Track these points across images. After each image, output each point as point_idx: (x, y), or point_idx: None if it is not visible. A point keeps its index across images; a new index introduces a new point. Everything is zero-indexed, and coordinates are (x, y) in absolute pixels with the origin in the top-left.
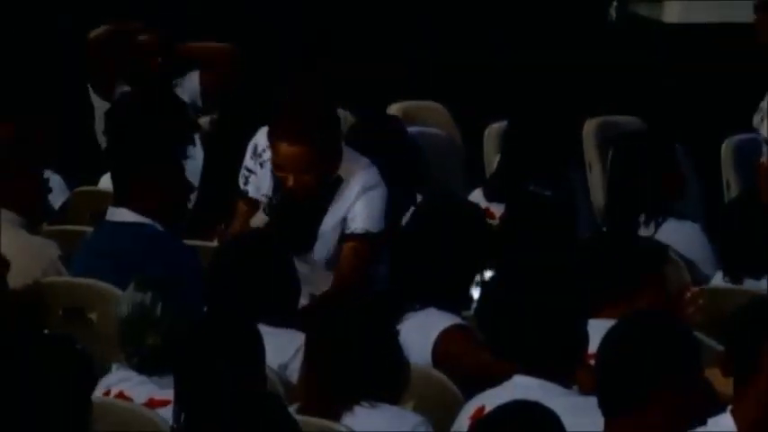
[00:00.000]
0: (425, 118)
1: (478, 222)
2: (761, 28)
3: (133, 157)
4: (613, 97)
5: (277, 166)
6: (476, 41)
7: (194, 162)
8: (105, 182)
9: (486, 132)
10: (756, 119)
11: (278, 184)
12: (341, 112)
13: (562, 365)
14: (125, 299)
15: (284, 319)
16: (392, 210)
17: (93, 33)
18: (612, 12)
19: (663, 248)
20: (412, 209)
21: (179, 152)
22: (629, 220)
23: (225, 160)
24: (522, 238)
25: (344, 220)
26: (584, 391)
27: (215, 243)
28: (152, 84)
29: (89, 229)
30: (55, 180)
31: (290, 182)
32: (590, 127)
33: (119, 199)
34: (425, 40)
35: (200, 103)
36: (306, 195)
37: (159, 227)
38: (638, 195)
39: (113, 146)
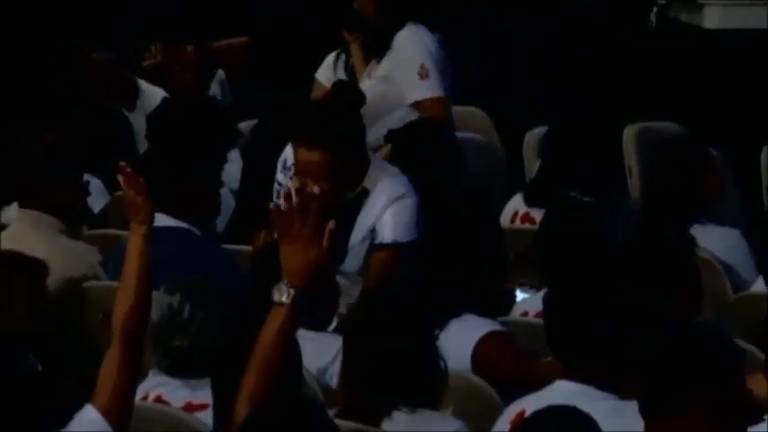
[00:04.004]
0: (466, 124)
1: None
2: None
3: (174, 162)
4: (653, 103)
5: (297, 172)
6: (516, 47)
7: (232, 166)
8: None
9: (527, 138)
10: None
11: None
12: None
13: (607, 371)
14: (155, 303)
15: (324, 323)
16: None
17: (96, 58)
18: (653, 17)
19: (683, 249)
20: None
21: (220, 157)
22: (666, 224)
23: (264, 164)
24: (562, 244)
25: (373, 231)
26: None
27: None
28: (192, 91)
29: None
30: (95, 184)
31: (310, 189)
32: (630, 132)
33: (158, 204)
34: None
35: (230, 96)
36: (326, 204)
37: (198, 232)
38: (677, 199)
39: (154, 151)
